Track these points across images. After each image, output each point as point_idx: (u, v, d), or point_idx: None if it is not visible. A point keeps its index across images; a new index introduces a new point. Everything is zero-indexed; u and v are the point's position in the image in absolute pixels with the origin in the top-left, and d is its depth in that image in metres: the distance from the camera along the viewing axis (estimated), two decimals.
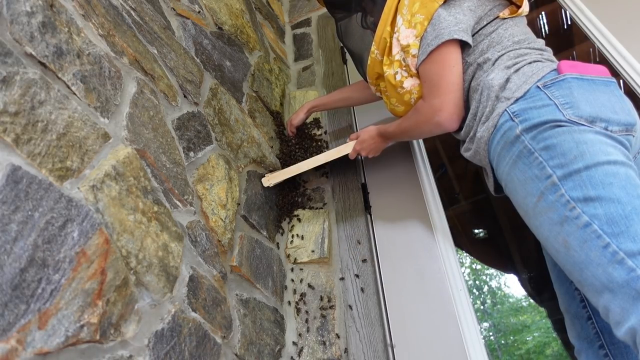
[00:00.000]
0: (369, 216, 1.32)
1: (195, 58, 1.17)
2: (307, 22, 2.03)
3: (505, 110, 0.81)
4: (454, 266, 1.12)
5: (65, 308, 0.57)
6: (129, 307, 0.68)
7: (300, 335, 1.15)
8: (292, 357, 1.12)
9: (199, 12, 1.27)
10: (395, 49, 0.98)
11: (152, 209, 0.79)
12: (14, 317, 0.51)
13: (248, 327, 0.99)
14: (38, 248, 0.56)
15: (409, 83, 0.97)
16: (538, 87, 0.80)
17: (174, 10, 1.16)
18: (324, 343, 1.12)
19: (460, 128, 0.96)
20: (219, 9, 1.39)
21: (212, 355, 0.83)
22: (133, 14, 0.96)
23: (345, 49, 1.79)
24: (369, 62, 1.08)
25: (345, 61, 1.78)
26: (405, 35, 0.93)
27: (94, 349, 0.60)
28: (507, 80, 0.84)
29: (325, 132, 1.56)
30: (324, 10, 2.00)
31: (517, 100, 0.81)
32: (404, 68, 0.97)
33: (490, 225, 1.93)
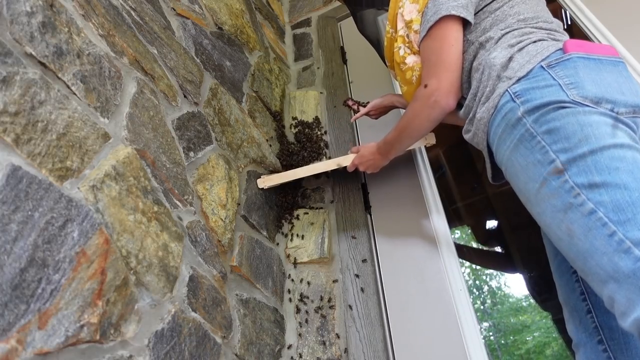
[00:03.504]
0: (369, 216, 1.32)
1: (195, 58, 1.17)
2: (307, 22, 2.03)
3: (507, 90, 0.77)
4: (454, 266, 1.12)
5: (65, 308, 0.57)
6: (129, 307, 0.68)
7: (300, 335, 1.15)
8: (292, 357, 1.12)
9: (196, 12, 1.27)
10: (400, 24, 0.95)
11: (152, 209, 0.79)
12: (14, 317, 0.51)
13: (248, 327, 0.99)
14: (38, 248, 0.56)
15: (412, 59, 0.94)
16: (542, 66, 0.76)
17: (174, 10, 1.16)
18: (324, 343, 1.12)
19: (460, 107, 0.92)
20: (219, 9, 1.39)
21: (212, 355, 0.83)
22: (133, 14, 0.96)
23: (348, 48, 1.79)
24: (385, 42, 1.05)
25: (345, 61, 1.78)
26: (409, 10, 0.91)
27: (94, 349, 0.60)
28: (510, 59, 0.80)
29: (325, 132, 1.56)
30: (324, 10, 2.00)
31: (519, 79, 0.77)
32: (407, 44, 0.94)
33: (490, 224, 1.93)
